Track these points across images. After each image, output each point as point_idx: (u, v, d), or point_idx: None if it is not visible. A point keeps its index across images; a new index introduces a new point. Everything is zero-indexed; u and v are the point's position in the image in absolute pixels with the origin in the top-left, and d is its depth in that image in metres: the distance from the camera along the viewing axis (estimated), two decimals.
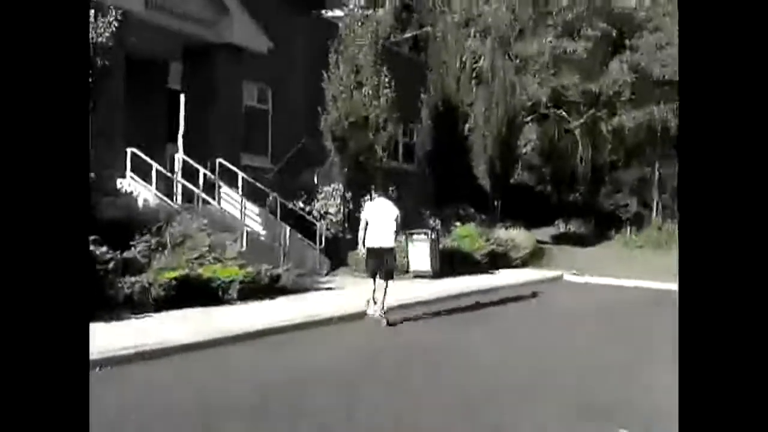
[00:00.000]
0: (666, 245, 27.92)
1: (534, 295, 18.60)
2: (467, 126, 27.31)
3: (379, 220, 13.58)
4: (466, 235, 23.21)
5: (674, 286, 16.64)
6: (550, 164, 34.93)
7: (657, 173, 33.54)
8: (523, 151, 31.92)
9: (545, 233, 30.08)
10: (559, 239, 29.96)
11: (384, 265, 13.66)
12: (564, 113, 33.93)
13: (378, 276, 13.61)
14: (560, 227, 32.52)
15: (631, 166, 34.86)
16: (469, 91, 27.74)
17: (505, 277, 21.41)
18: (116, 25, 14.72)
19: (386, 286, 13.48)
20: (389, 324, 13.14)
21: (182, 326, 11.49)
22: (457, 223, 24.23)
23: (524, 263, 24.78)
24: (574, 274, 23.39)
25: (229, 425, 7.07)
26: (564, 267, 24.37)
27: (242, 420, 7.27)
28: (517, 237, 25.54)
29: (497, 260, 23.47)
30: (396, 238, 13.95)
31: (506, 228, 26.02)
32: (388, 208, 13.73)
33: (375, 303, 13.46)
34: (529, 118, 32.78)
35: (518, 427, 7.28)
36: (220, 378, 9.04)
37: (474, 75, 28.93)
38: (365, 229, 13.67)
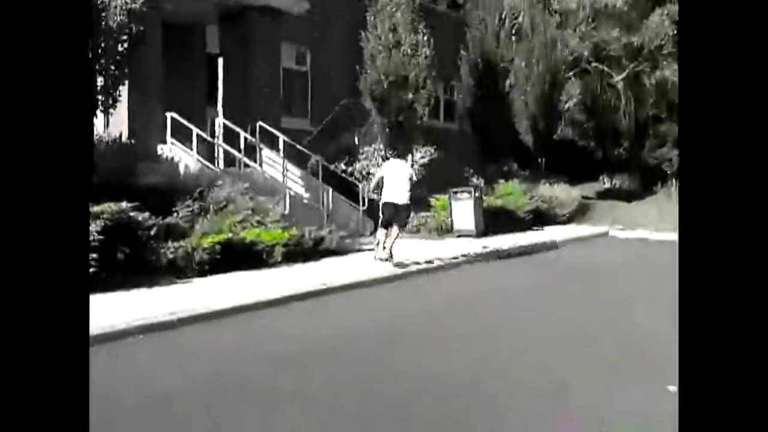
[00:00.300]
0: None
1: (577, 250, 18.42)
2: (508, 83, 26.92)
3: (394, 178, 14.88)
4: (510, 193, 23.01)
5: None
6: (593, 119, 34.35)
7: None
8: (566, 106, 31.44)
9: (590, 189, 29.72)
10: (604, 195, 29.60)
11: (396, 217, 14.79)
12: (606, 68, 33.36)
13: (390, 226, 14.79)
14: (604, 182, 32.13)
15: (674, 120, 34.27)
16: (508, 47, 27.30)
17: (549, 234, 21.21)
18: None
19: (397, 234, 14.78)
20: (395, 265, 14.42)
21: (227, 290, 11.46)
22: (501, 181, 23.96)
23: (569, 219, 24.56)
24: (620, 229, 23.15)
25: (278, 379, 7.03)
26: (609, 222, 24.14)
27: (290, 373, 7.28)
28: (561, 193, 25.29)
29: (542, 217, 23.29)
30: (410, 196, 14.97)
31: (550, 184, 25.74)
32: (402, 168, 15.21)
33: (384, 249, 14.61)
34: (570, 74, 32.28)
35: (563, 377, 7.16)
36: (263, 339, 9.01)
37: (513, 31, 28.48)
38: (380, 186, 15.12)
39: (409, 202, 15.03)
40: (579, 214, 25.31)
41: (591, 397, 6.68)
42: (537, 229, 22.07)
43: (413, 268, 14.57)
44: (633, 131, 33.07)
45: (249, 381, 7.16)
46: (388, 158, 17.69)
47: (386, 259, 14.50)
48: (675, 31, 31.86)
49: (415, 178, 15.39)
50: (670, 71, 32.21)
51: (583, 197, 27.08)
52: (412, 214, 16.46)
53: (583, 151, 33.96)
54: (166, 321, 9.27)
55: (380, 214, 15.09)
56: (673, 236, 20.78)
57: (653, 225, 22.96)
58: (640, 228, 22.82)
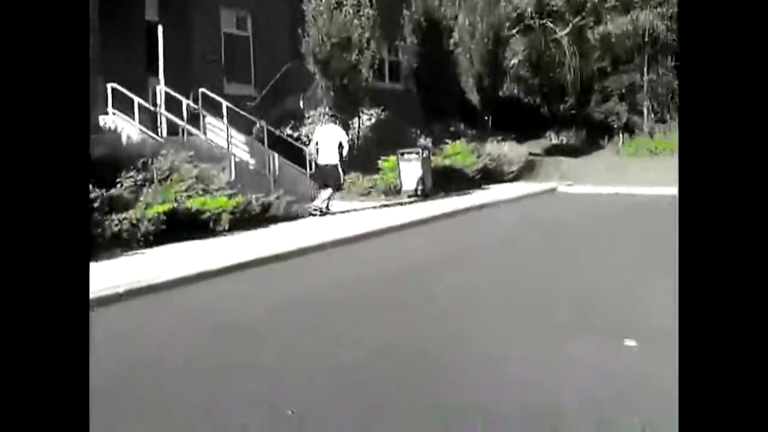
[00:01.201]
0: (657, 150, 27.71)
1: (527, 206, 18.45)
2: (452, 41, 26.75)
3: (326, 142, 17.01)
4: (458, 152, 22.90)
5: (667, 191, 16.44)
6: (538, 76, 34.35)
7: (646, 79, 33.11)
8: (511, 63, 31.38)
9: (537, 145, 29.72)
10: (551, 151, 29.59)
11: (329, 178, 16.84)
12: (550, 23, 33.33)
13: (325, 185, 16.85)
14: (551, 139, 32.11)
15: (619, 73, 34.38)
16: (452, 4, 27.12)
17: (498, 193, 21.21)
18: None
19: (330, 194, 16.72)
20: (322, 213, 16.31)
21: (172, 261, 11.29)
22: (448, 141, 23.85)
23: (517, 177, 24.54)
24: (568, 185, 23.22)
25: (240, 345, 6.90)
26: (557, 179, 24.20)
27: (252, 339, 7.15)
28: (508, 151, 25.25)
29: (490, 175, 23.22)
30: (341, 157, 17.01)
31: (497, 142, 25.70)
32: (333, 132, 17.27)
33: (319, 200, 16.56)
34: (514, 30, 32.19)
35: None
36: (209, 310, 8.86)
37: None
38: (317, 150, 17.21)
39: (336, 163, 16.88)
40: (527, 170, 25.30)
41: (546, 356, 6.65)
42: (486, 188, 22.02)
43: (359, 232, 14.43)
44: (578, 86, 33.11)
45: (197, 353, 7.04)
46: (322, 124, 18.78)
47: (324, 210, 16.42)
48: None
49: (345, 142, 17.22)
50: (613, 25, 32.29)
51: (531, 154, 27.07)
52: (342, 175, 17.44)
53: (529, 107, 33.99)
54: (110, 295, 9.08)
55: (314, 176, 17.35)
56: (619, 189, 21.06)
57: (602, 179, 23.05)
58: (588, 183, 22.89)
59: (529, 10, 32.14)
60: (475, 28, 26.31)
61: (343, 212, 17.03)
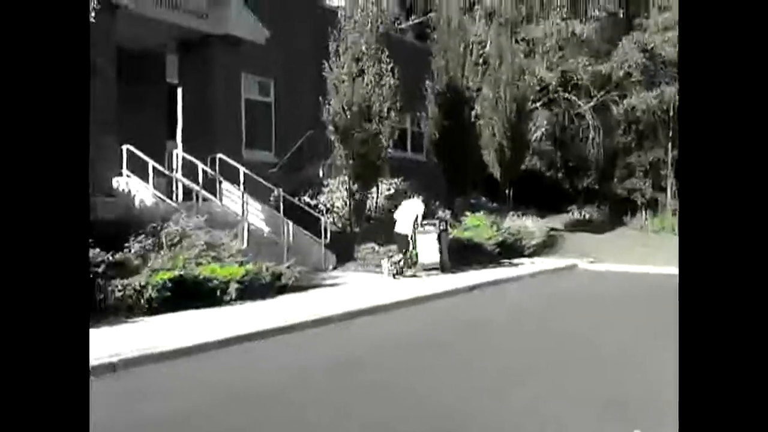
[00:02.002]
0: None
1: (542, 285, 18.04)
2: (474, 113, 26.61)
3: (405, 214, 19.18)
4: (477, 225, 22.62)
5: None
6: (561, 150, 34.25)
7: (670, 155, 32.82)
8: (534, 137, 31.26)
9: (559, 220, 29.43)
10: (573, 226, 29.28)
11: (400, 246, 18.90)
12: (574, 97, 33.24)
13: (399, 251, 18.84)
14: (574, 214, 31.80)
15: (643, 149, 34.16)
16: (475, 76, 27.01)
17: (516, 269, 20.77)
18: (97, 12, 13.99)
19: (399, 258, 18.60)
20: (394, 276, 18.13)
21: (173, 330, 10.91)
22: (468, 213, 23.55)
23: (537, 252, 24.15)
24: (590, 262, 22.82)
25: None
26: (578, 255, 23.79)
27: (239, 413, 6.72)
28: (529, 225, 24.93)
29: (509, 249, 22.85)
30: (414, 227, 18.92)
31: (518, 216, 25.41)
32: (414, 206, 19.43)
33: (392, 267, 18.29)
34: (538, 103, 32.14)
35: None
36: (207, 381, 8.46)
37: (480, 60, 28.26)
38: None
39: (407, 233, 18.86)
40: (548, 246, 24.95)
41: None
42: (503, 263, 21.62)
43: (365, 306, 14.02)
44: (602, 161, 32.93)
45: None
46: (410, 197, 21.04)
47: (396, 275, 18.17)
48: (643, 59, 31.88)
49: (420, 216, 19.18)
50: (638, 100, 32.16)
51: (552, 229, 26.76)
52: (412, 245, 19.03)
53: (551, 182, 33.78)
54: (105, 363, 8.71)
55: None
56: (645, 268, 20.63)
57: (624, 257, 22.66)
58: (611, 260, 22.48)
59: (553, 83, 32.09)
60: (498, 101, 26.19)
61: (345, 284, 16.69)
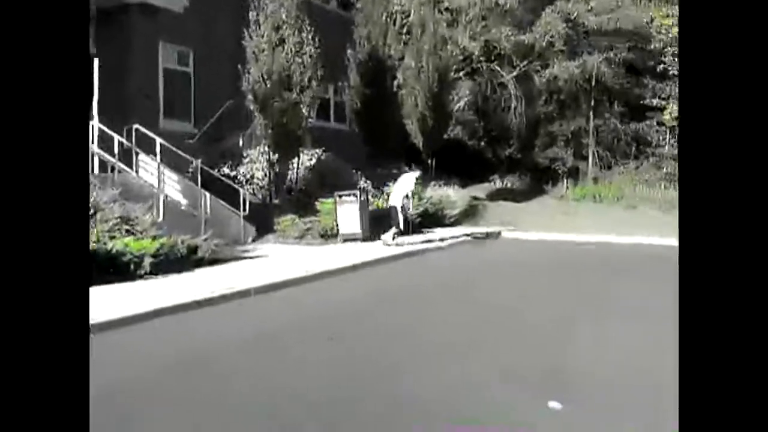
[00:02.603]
0: (602, 197, 27.66)
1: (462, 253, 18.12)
2: (396, 82, 26.55)
3: (399, 187, 20.15)
4: None
5: (613, 239, 16.30)
6: (483, 119, 34.31)
7: (592, 124, 33.17)
8: (456, 106, 31.27)
9: (481, 189, 29.51)
10: (495, 195, 29.41)
11: (391, 218, 19.72)
12: (497, 67, 33.32)
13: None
14: (496, 183, 31.92)
15: (565, 119, 34.43)
16: (398, 45, 26.93)
17: (438, 237, 20.80)
18: None
19: (394, 229, 19.32)
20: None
21: None
22: (390, 183, 23.51)
23: (459, 221, 24.24)
24: (511, 230, 22.96)
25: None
26: (500, 223, 23.92)
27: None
28: (451, 194, 25.00)
29: (432, 219, 22.88)
30: (404, 198, 20.15)
31: (440, 185, 25.46)
32: (409, 179, 20.50)
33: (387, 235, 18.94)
34: (461, 73, 32.14)
35: None
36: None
37: (403, 29, 28.16)
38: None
39: (395, 206, 20.03)
40: (470, 215, 25.04)
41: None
42: (426, 232, 21.67)
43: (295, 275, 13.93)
44: (523, 131, 33.13)
45: None
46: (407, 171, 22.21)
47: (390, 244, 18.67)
48: (566, 29, 32.08)
49: (410, 191, 20.43)
50: (560, 69, 32.38)
51: (474, 198, 26.87)
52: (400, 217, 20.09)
53: (474, 151, 33.88)
54: None
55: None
56: (564, 236, 20.86)
57: (545, 225, 22.87)
58: (531, 228, 22.67)
59: (476, 53, 32.10)
60: (421, 70, 26.10)
61: (265, 256, 16.55)
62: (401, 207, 20.17)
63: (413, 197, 21.76)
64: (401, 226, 19.62)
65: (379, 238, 19.14)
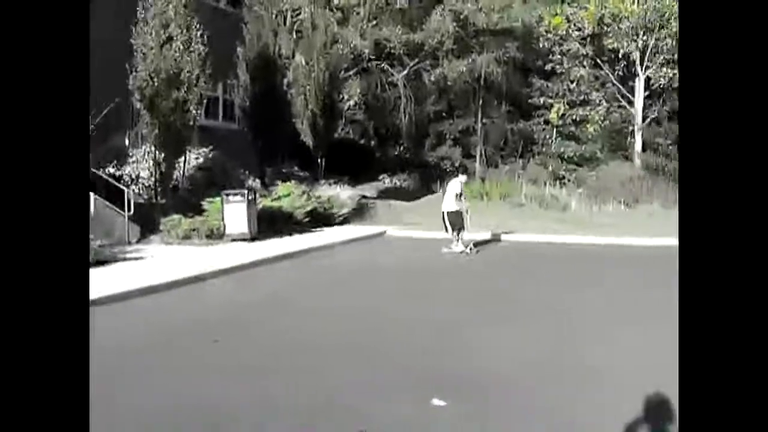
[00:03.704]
0: (489, 196, 28.14)
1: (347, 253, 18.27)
2: (286, 81, 26.57)
3: (449, 191, 19.42)
4: (288, 194, 22.64)
5: (503, 236, 16.43)
6: (374, 118, 34.56)
7: (480, 124, 33.75)
8: (346, 105, 31.45)
9: (371, 188, 29.79)
10: (384, 194, 29.70)
11: (443, 222, 19.16)
12: (387, 66, 33.60)
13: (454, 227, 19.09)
14: (385, 182, 32.24)
15: (454, 118, 34.94)
16: (288, 44, 26.95)
17: (324, 237, 20.95)
18: None
19: (453, 232, 19.12)
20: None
21: None
22: (279, 183, 23.56)
23: (348, 220, 24.43)
24: (397, 228, 23.22)
25: None
26: (388, 222, 24.19)
27: None
28: (340, 194, 25.18)
29: (320, 218, 23.01)
30: (455, 203, 19.08)
31: (330, 185, 25.61)
32: (455, 183, 19.50)
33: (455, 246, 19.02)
34: (351, 72, 32.32)
35: None
36: None
37: (293, 27, 28.18)
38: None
39: (444, 210, 19.13)
40: (358, 214, 25.26)
41: None
42: (314, 231, 21.79)
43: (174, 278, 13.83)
44: (413, 130, 33.50)
45: None
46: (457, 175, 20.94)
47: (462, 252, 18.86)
48: (456, 29, 32.53)
49: (459, 191, 19.22)
50: (449, 68, 32.81)
51: (363, 197, 27.10)
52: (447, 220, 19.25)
53: (364, 150, 34.12)
54: None
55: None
56: (443, 234, 21.17)
57: (432, 224, 23.17)
58: (419, 227, 22.95)
59: (366, 51, 32.28)
60: (311, 69, 26.18)
61: (142, 258, 16.41)
62: (461, 210, 19.28)
63: (303, 196, 21.89)
64: (467, 225, 19.51)
65: (269, 238, 19.23)
